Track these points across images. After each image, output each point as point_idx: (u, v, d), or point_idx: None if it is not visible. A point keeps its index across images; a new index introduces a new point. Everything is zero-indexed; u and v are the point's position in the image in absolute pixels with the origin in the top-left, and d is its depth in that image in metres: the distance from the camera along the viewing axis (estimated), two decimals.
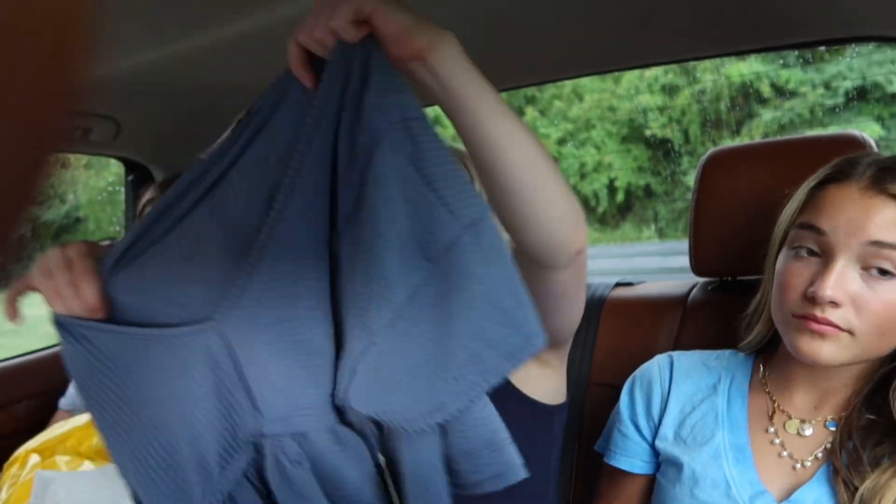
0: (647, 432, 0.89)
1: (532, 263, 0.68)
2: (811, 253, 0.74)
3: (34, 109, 0.19)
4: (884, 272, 0.70)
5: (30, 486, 1.12)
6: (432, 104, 0.65)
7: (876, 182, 0.72)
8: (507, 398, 0.91)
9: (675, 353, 0.92)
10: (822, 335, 0.71)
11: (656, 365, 0.91)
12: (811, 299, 0.71)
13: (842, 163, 0.76)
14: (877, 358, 0.76)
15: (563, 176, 0.65)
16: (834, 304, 0.70)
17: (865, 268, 0.71)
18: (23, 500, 1.10)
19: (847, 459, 0.74)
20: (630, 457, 0.90)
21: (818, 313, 0.71)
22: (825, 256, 0.73)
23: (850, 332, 0.71)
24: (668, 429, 0.87)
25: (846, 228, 0.71)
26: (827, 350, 0.72)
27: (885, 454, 0.72)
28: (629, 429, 0.91)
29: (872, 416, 0.75)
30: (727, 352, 0.90)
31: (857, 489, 0.71)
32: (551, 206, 0.62)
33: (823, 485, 0.75)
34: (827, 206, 0.74)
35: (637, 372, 0.93)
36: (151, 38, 1.04)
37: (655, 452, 0.89)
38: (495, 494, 0.91)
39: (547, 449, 0.94)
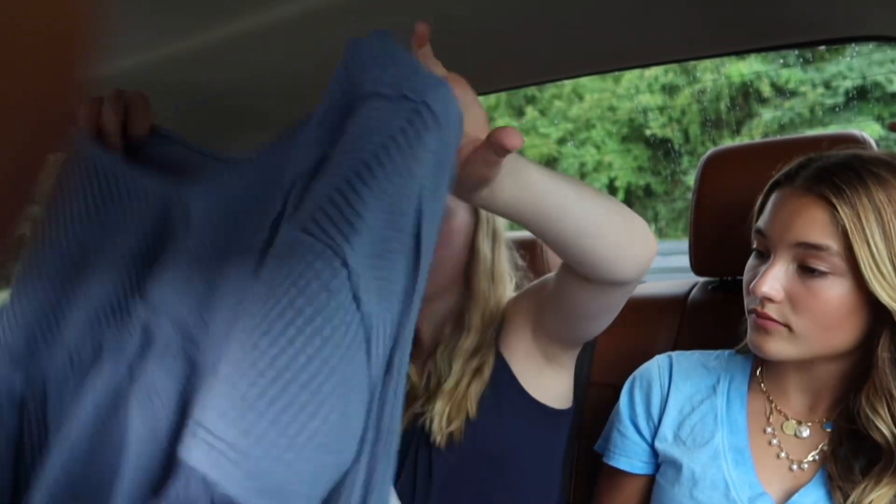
0: (646, 433, 0.89)
1: (598, 285, 0.71)
2: (760, 255, 0.80)
3: (33, 109, 0.19)
4: (815, 270, 0.72)
5: None
6: None
7: (809, 184, 0.74)
8: (517, 402, 0.90)
9: (675, 354, 0.92)
10: (765, 329, 0.76)
11: (656, 365, 0.91)
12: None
13: (794, 165, 0.79)
14: (833, 355, 0.76)
15: (621, 205, 0.68)
16: (769, 299, 0.74)
17: (802, 267, 0.73)
18: None
19: (839, 467, 0.74)
20: (629, 457, 0.90)
21: (759, 308, 0.76)
22: (767, 257, 0.77)
23: (788, 327, 0.74)
24: (667, 429, 0.87)
25: (780, 230, 0.75)
26: (770, 344, 0.76)
27: (874, 462, 0.72)
28: (628, 429, 0.91)
29: (854, 426, 0.75)
30: (726, 352, 0.90)
31: (848, 493, 0.72)
32: (619, 245, 0.67)
33: (821, 487, 0.75)
34: (770, 208, 0.79)
35: (636, 372, 0.93)
36: (151, 39, 1.04)
37: (655, 453, 0.89)
38: (499, 496, 0.91)
39: (552, 452, 0.94)
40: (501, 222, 1.04)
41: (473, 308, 0.98)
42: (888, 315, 0.71)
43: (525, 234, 1.31)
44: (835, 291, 0.72)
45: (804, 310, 0.73)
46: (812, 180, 0.74)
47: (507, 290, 1.03)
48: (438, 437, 0.92)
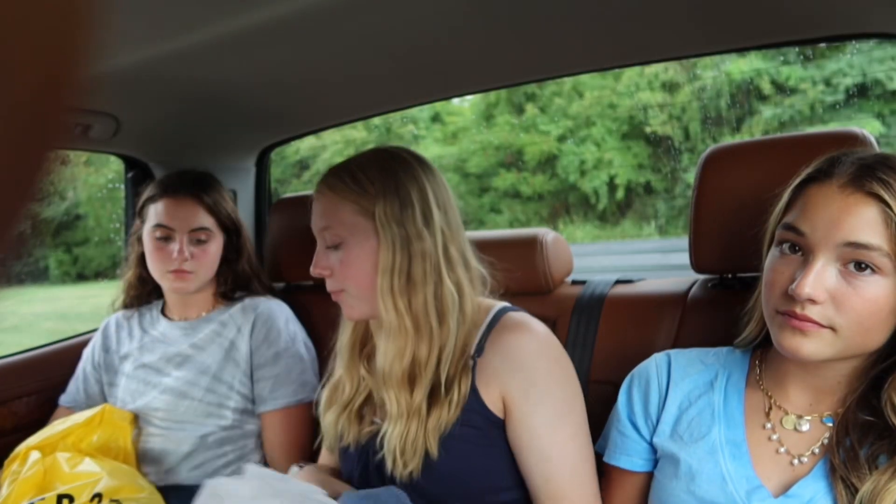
0: (645, 431, 0.89)
1: None
2: (793, 250, 0.75)
3: (33, 106, 0.19)
4: (862, 267, 0.70)
5: (31, 483, 1.12)
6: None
7: (855, 181, 0.71)
8: (481, 423, 0.90)
9: (673, 352, 0.92)
10: (802, 331, 0.72)
11: (654, 364, 0.91)
12: (792, 297, 0.73)
13: (824, 161, 0.76)
14: (863, 354, 0.76)
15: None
16: (812, 301, 0.71)
17: (845, 264, 0.71)
18: (24, 496, 1.11)
19: (844, 457, 0.74)
20: (629, 455, 0.90)
21: (798, 310, 0.72)
22: (806, 255, 0.74)
23: (832, 329, 0.72)
24: (665, 425, 0.87)
25: (825, 229, 0.72)
26: (808, 346, 0.73)
27: (882, 454, 0.72)
28: (627, 428, 0.91)
29: (868, 417, 0.75)
30: (724, 349, 0.90)
31: (854, 486, 0.72)
32: None
33: (820, 480, 0.75)
34: (807, 205, 0.75)
35: (634, 371, 0.93)
36: (151, 36, 1.04)
37: (654, 450, 0.89)
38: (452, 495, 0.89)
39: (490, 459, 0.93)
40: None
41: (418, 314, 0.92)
42: None
43: (524, 231, 1.31)
44: (880, 291, 0.70)
45: (849, 310, 0.71)
46: (855, 176, 0.72)
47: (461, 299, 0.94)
48: (397, 472, 0.89)
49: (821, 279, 0.71)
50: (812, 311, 0.72)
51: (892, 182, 0.70)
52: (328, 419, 1.02)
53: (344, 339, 1.03)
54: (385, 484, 0.91)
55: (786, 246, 0.76)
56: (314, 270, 0.95)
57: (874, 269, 0.70)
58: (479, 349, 0.92)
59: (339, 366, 1.04)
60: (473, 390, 0.90)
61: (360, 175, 0.93)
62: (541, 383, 0.89)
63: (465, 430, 0.89)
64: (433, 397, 0.90)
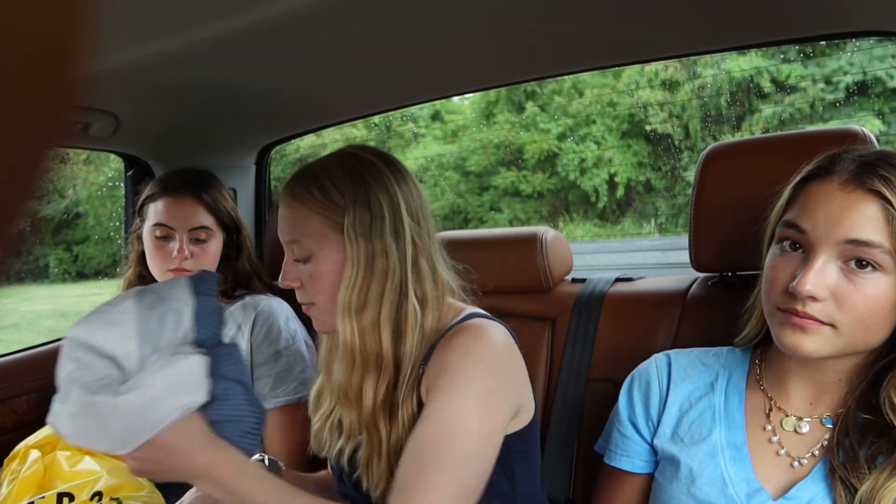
0: (645, 432, 0.89)
1: None
2: (794, 248, 0.75)
3: (33, 104, 0.19)
4: (863, 264, 0.70)
5: (31, 482, 1.12)
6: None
7: (855, 178, 0.71)
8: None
9: (673, 353, 0.92)
10: (803, 329, 0.72)
11: (654, 365, 0.91)
12: (793, 294, 0.72)
13: (824, 158, 0.76)
14: (863, 352, 0.75)
15: None
16: (814, 298, 0.71)
17: (846, 261, 0.71)
18: (24, 495, 1.11)
19: (844, 458, 0.74)
20: (630, 457, 0.90)
21: (799, 307, 0.72)
22: (807, 252, 0.73)
23: (833, 326, 0.72)
24: (666, 427, 0.87)
25: (825, 226, 0.72)
26: (809, 343, 0.73)
27: (882, 453, 0.72)
28: (628, 429, 0.91)
29: (867, 416, 0.75)
30: (724, 349, 0.90)
31: (853, 487, 0.71)
32: None
33: (820, 482, 0.75)
34: (808, 203, 0.75)
35: (635, 372, 0.93)
36: (152, 34, 1.04)
37: (655, 451, 0.89)
38: None
39: None
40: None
41: (365, 336, 0.88)
42: None
43: (524, 230, 1.31)
44: (881, 288, 0.70)
45: (850, 307, 0.71)
46: (856, 173, 0.72)
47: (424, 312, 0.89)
48: (372, 492, 0.87)
49: (822, 276, 0.71)
50: (813, 309, 0.71)
51: (892, 179, 0.69)
52: (315, 427, 1.00)
53: (323, 350, 0.99)
54: (365, 500, 0.89)
55: (786, 243, 0.76)
56: (283, 282, 0.91)
57: (875, 267, 0.70)
58: (427, 357, 0.86)
59: (320, 377, 1.01)
60: (420, 402, 0.84)
61: (328, 184, 0.87)
62: (450, 373, 0.81)
63: None
64: (391, 417, 0.86)
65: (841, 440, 0.75)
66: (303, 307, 0.93)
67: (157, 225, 1.35)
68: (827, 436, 0.78)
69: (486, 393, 0.81)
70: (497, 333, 0.85)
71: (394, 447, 0.84)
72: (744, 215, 0.99)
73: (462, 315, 0.90)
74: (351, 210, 0.86)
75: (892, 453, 0.71)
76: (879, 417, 0.73)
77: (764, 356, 0.87)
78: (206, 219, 1.37)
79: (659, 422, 0.87)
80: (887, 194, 0.69)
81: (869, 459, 0.72)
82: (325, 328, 0.93)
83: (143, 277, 1.44)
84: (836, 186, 0.72)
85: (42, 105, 0.19)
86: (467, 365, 0.81)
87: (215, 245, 1.39)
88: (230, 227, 1.42)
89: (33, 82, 0.18)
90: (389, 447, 0.85)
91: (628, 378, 0.93)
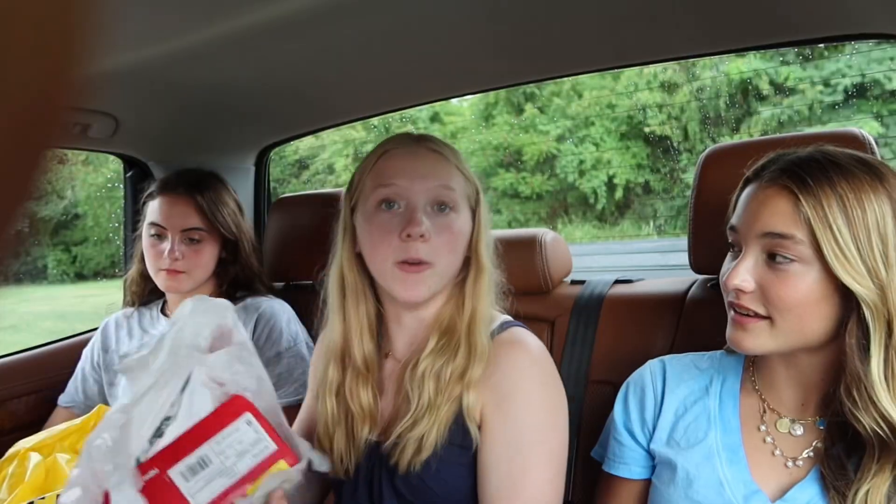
0: (642, 438, 0.89)
1: None
2: (734, 249, 0.81)
3: (32, 105, 0.19)
4: (785, 257, 0.73)
5: (33, 486, 1.12)
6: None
7: (774, 176, 0.75)
8: (468, 443, 0.85)
9: (667, 358, 0.92)
10: (743, 326, 0.77)
11: (648, 371, 0.91)
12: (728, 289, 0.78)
13: (764, 161, 0.80)
14: (809, 346, 0.76)
15: None
16: (741, 291, 0.76)
17: (771, 256, 0.75)
18: (26, 499, 1.10)
19: (832, 465, 0.75)
20: (627, 464, 0.91)
21: (736, 301, 0.77)
22: (741, 250, 0.78)
23: (769, 319, 0.75)
24: (662, 432, 0.87)
25: (748, 223, 0.77)
26: (748, 339, 0.77)
27: (867, 456, 0.72)
28: (624, 436, 0.91)
29: (843, 420, 0.75)
30: (718, 353, 0.90)
31: (844, 494, 0.72)
32: None
33: (815, 484, 0.75)
34: (740, 204, 0.80)
35: (630, 379, 0.93)
36: (151, 35, 1.04)
37: (651, 457, 0.89)
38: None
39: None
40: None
41: (472, 322, 0.87)
42: (857, 301, 0.71)
43: (523, 231, 1.31)
44: (804, 279, 0.73)
45: (777, 298, 0.74)
46: (777, 173, 0.76)
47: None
48: (402, 466, 0.83)
49: (747, 269, 0.76)
50: (746, 301, 0.76)
51: (806, 176, 0.73)
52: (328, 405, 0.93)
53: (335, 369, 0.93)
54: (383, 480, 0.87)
55: (732, 246, 0.81)
56: (413, 229, 0.83)
57: (794, 259, 0.73)
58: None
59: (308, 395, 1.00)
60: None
61: (464, 161, 0.91)
62: (519, 399, 0.82)
63: (447, 448, 0.84)
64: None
65: (829, 448, 0.76)
66: (412, 267, 0.85)
67: (152, 224, 1.35)
68: (821, 437, 0.78)
69: (554, 407, 0.86)
70: (539, 346, 0.89)
71: (444, 429, 0.83)
72: None
73: (499, 322, 0.92)
74: (481, 194, 0.92)
75: (874, 456, 0.71)
76: (859, 423, 0.73)
77: (756, 359, 0.87)
78: (201, 220, 1.37)
79: (655, 427, 0.88)
80: (794, 189, 0.73)
81: (855, 465, 0.73)
82: (422, 294, 0.86)
83: (145, 276, 1.44)
84: (760, 186, 0.77)
85: (41, 106, 0.19)
86: (533, 388, 0.84)
87: (210, 247, 1.38)
88: (228, 229, 1.41)
89: (32, 83, 0.18)
90: (439, 427, 0.83)
91: (623, 385, 0.93)
